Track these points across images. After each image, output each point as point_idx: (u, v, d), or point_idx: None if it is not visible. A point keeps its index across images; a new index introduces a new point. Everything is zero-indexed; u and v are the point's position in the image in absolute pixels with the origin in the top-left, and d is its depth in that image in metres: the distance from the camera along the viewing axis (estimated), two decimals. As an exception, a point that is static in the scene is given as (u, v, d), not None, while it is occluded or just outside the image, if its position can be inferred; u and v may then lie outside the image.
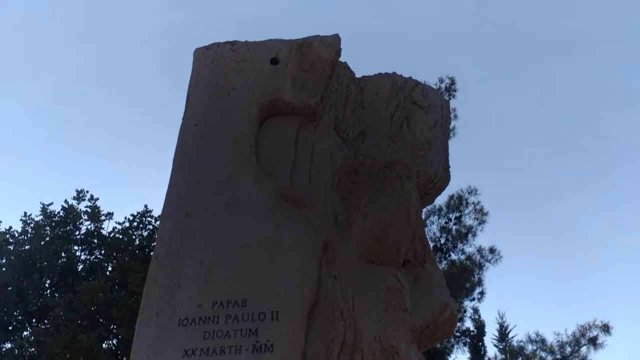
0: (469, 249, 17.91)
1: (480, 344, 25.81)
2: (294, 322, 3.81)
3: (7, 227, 10.06)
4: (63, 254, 9.74)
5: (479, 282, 19.40)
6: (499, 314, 28.54)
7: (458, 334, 18.36)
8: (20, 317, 9.35)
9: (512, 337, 27.22)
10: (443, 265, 16.42)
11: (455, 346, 18.66)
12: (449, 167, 5.43)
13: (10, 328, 9.21)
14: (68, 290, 8.71)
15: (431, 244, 15.05)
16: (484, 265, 18.43)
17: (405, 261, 4.67)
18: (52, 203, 10.51)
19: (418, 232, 4.79)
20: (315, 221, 4.24)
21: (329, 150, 4.81)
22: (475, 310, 21.84)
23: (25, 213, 10.15)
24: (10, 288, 9.06)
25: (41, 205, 10.37)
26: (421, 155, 5.20)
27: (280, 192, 4.41)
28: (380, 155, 4.96)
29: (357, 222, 4.41)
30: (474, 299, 19.82)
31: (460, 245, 17.14)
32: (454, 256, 17.23)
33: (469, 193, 17.78)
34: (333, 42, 5.24)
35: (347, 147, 5.03)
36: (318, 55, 5.13)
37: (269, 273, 4.05)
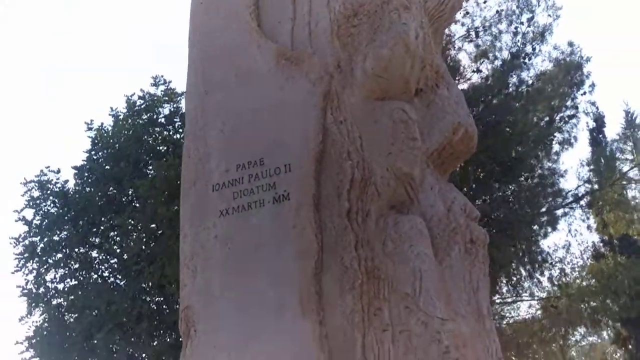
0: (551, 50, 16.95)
1: (600, 136, 25.13)
2: (303, 170, 4.17)
3: (100, 124, 11.15)
4: (146, 138, 10.72)
5: (587, 75, 18.55)
6: (624, 102, 27.36)
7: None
8: (121, 200, 10.63)
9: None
10: (532, 73, 15.75)
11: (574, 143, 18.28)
12: (463, -19, 5.30)
13: (114, 208, 10.57)
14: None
15: (505, 54, 14.46)
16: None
17: (418, 90, 4.80)
18: (134, 94, 11.41)
19: (427, 59, 4.83)
20: (312, 74, 4.44)
21: (326, -1, 4.86)
22: (593, 104, 21.13)
23: (112, 108, 11.16)
24: (107, 178, 10.33)
25: (125, 97, 11.30)
26: (428, -23, 5.12)
27: (280, 53, 4.61)
28: (382, -12, 4.92)
29: (358, 65, 4.55)
30: (584, 93, 19.04)
31: (539, 47, 16.23)
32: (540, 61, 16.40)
33: None
34: None
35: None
36: None
37: (278, 131, 4.38)
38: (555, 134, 17.58)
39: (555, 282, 18.61)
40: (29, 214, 10.97)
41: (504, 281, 13.81)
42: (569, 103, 18.54)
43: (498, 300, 16.73)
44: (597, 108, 22.63)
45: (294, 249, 4.00)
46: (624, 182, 21.75)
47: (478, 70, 14.66)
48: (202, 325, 4.15)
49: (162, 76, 11.50)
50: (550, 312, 19.67)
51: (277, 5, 4.93)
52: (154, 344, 9.97)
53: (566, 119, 18.13)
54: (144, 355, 10.01)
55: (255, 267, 4.09)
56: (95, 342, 9.92)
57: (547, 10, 16.26)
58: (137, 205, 10.10)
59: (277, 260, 4.03)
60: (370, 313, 3.82)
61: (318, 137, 4.25)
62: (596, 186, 18.56)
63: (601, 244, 24.18)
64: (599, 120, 25.70)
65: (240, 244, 4.20)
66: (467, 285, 4.12)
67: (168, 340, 9.78)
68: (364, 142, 4.31)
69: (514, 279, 16.27)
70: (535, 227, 13.52)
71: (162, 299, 9.35)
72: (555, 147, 18.12)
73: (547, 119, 16.95)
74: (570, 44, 17.29)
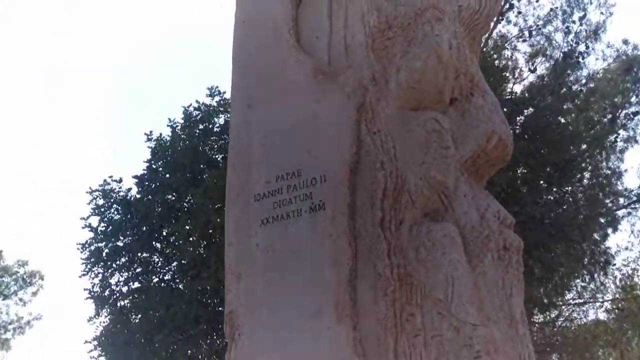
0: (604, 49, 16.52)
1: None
2: (338, 181, 4.32)
3: (158, 135, 11.60)
4: (201, 148, 11.09)
5: None
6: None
7: None
8: (178, 207, 11.04)
9: None
10: (585, 73, 15.40)
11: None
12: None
13: (173, 215, 10.99)
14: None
15: (558, 53, 14.14)
16: None
17: (453, 99, 4.87)
18: (190, 105, 11.81)
19: (462, 68, 4.89)
20: (347, 87, 4.58)
21: (360, 12, 4.97)
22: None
23: (170, 119, 11.58)
24: (165, 187, 10.77)
25: (182, 108, 11.71)
26: (461, -11, 5.18)
27: (317, 68, 4.78)
28: (418, 1, 5.03)
29: (392, 77, 4.66)
30: None
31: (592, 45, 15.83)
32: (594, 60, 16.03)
33: None
34: None
35: (388, 1, 5.15)
36: None
37: (314, 143, 4.54)
38: (619, 132, 17.15)
39: (619, 285, 18.15)
40: (94, 221, 11.58)
41: (569, 283, 13.58)
42: (633, 99, 18.08)
43: (559, 303, 16.42)
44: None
45: (329, 257, 4.15)
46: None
47: (533, 70, 14.45)
48: (245, 329, 4.34)
49: (217, 87, 11.93)
50: (615, 315, 19.18)
51: (314, 21, 5.10)
52: (210, 344, 10.34)
53: (631, 115, 17.66)
54: (200, 355, 10.38)
55: (293, 274, 4.26)
56: (156, 344, 10.36)
57: (600, 7, 15.90)
58: (192, 213, 10.48)
59: (313, 267, 4.19)
60: (402, 319, 3.92)
61: (352, 149, 4.38)
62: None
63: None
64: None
65: (280, 252, 4.38)
66: (500, 291, 4.17)
67: (223, 341, 10.14)
68: (397, 152, 4.42)
69: (575, 282, 15.96)
70: (594, 228, 13.23)
71: (217, 301, 9.68)
72: (620, 145, 17.69)
73: (609, 116, 16.57)
74: (625, 42, 16.83)
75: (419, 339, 3.87)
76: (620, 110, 17.45)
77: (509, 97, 11.81)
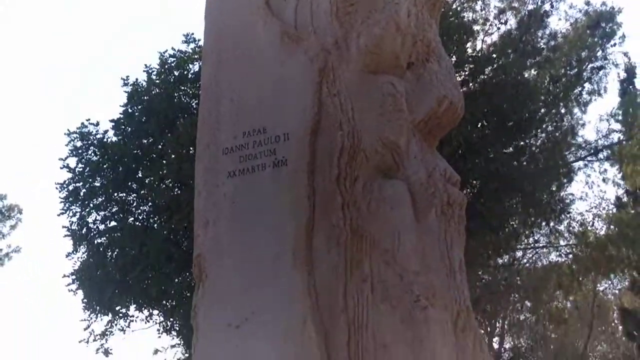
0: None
1: (630, 87, 24.75)
2: (300, 140, 4.59)
3: (135, 79, 11.68)
4: (176, 94, 11.22)
5: (618, 26, 18.35)
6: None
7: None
8: (152, 152, 11.26)
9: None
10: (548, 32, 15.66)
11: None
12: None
13: (147, 160, 11.23)
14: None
15: (524, 11, 14.31)
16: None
17: (410, 64, 5.14)
18: (166, 51, 11.85)
19: (419, 35, 5.14)
20: (310, 51, 4.80)
21: (327, -19, 5.17)
22: (625, 54, 20.93)
23: (146, 65, 11.64)
24: (140, 132, 10.96)
25: (159, 54, 11.77)
26: (423, -44, 5.38)
27: (283, 31, 4.98)
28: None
29: (353, 42, 4.90)
30: (614, 44, 18.86)
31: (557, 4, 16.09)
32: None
33: None
34: None
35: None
36: None
37: (280, 103, 4.78)
38: (584, 85, 17.55)
39: (573, 232, 18.91)
40: (72, 162, 11.75)
41: (524, 231, 14.19)
42: (599, 54, 18.38)
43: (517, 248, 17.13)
44: (629, 59, 22.32)
45: (289, 209, 4.46)
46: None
47: (500, 25, 14.68)
48: (212, 271, 4.66)
49: (192, 34, 11.93)
50: (569, 259, 20.04)
51: (284, -15, 5.27)
52: (181, 281, 10.76)
53: (596, 69, 18.00)
54: (172, 291, 10.80)
55: (257, 222, 4.57)
56: (131, 280, 10.75)
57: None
58: (165, 158, 10.71)
59: (275, 218, 4.50)
60: (352, 266, 4.29)
61: (313, 109, 4.65)
62: (615, 139, 18.58)
63: (623, 195, 24.22)
64: (630, 71, 25.28)
65: (245, 202, 4.67)
66: (442, 243, 4.56)
67: (193, 279, 10.58)
68: (355, 113, 4.70)
69: (532, 229, 16.62)
70: (551, 179, 13.77)
71: (188, 241, 10.01)
72: (585, 97, 18.11)
73: (575, 70, 16.94)
74: (587, 3, 17.05)
75: (366, 284, 4.26)
76: (586, 64, 17.80)
77: (473, 54, 12.08)
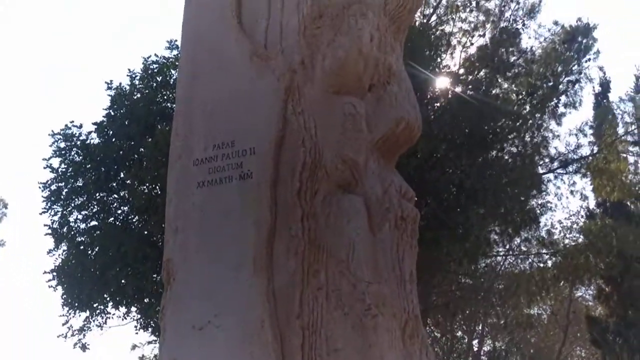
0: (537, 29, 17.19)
1: (605, 100, 25.24)
2: (264, 154, 4.80)
3: (118, 84, 11.86)
4: (158, 100, 11.43)
5: (593, 41, 18.75)
6: (635, 67, 27.43)
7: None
8: (132, 156, 11.46)
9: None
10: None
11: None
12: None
13: (128, 162, 11.42)
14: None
15: (496, 29, 14.63)
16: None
17: (371, 85, 5.38)
18: (150, 57, 12.04)
19: (381, 58, 5.37)
20: (278, 71, 5.02)
21: (296, 1, 5.39)
22: (600, 68, 21.43)
23: (129, 69, 11.83)
24: (122, 136, 11.15)
25: (142, 59, 11.95)
26: (389, -18, 5.61)
27: (253, 50, 5.20)
28: (348, -8, 5.44)
29: (318, 63, 5.12)
30: (588, 60, 19.27)
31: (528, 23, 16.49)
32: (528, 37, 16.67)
33: None
34: None
35: (324, -11, 5.53)
36: None
37: (248, 118, 4.99)
38: (560, 97, 17.93)
39: (542, 241, 19.31)
40: (55, 162, 11.89)
41: (490, 240, 14.54)
42: (574, 68, 18.75)
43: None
44: (605, 73, 22.82)
45: (252, 219, 4.66)
46: (622, 145, 22.09)
47: (470, 44, 15.03)
48: (179, 276, 4.84)
49: (175, 40, 12.14)
50: (538, 268, 20.46)
51: (255, 5, 5.47)
52: (155, 280, 10.97)
53: (571, 84, 18.36)
54: (149, 289, 11.00)
55: (223, 231, 4.76)
56: (109, 277, 10.94)
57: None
58: (144, 162, 10.90)
59: (239, 226, 4.70)
60: (309, 275, 4.50)
61: (278, 126, 4.86)
62: (584, 153, 19.00)
63: (593, 207, 24.73)
64: (605, 85, 25.80)
65: (213, 212, 4.86)
66: (394, 255, 4.79)
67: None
68: (318, 131, 4.92)
69: (502, 237, 16.98)
70: (521, 190, 14.10)
71: (164, 242, 10.21)
72: (561, 109, 18.48)
73: (550, 83, 17.30)
74: (556, 23, 17.46)
75: (321, 292, 4.48)
76: (562, 77, 18.17)
77: (445, 70, 12.39)
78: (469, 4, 15.74)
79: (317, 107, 5.02)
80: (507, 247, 19.67)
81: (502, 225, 14.21)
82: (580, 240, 20.78)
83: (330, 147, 4.91)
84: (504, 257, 20.19)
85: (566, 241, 20.88)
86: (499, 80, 13.77)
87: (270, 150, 4.81)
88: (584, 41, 18.98)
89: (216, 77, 5.29)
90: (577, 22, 19.08)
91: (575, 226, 21.72)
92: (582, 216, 23.33)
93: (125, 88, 11.73)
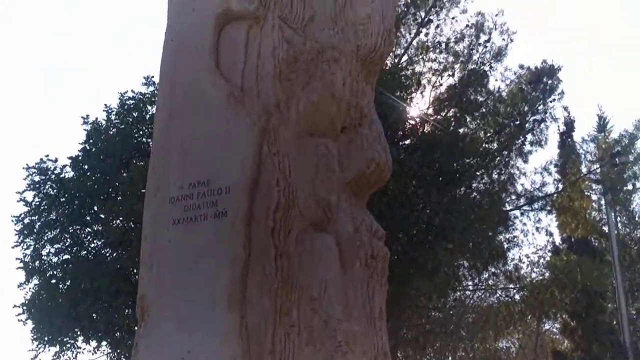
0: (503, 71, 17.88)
1: (569, 140, 25.90)
2: (239, 193, 4.88)
3: (95, 119, 11.90)
4: (134, 135, 11.48)
5: (558, 82, 19.33)
6: (598, 107, 28.26)
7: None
8: (107, 191, 11.47)
9: (611, 127, 26.95)
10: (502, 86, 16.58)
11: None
12: (393, 31, 6.05)
13: (102, 197, 11.42)
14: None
15: (464, 71, 15.13)
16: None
17: (344, 128, 5.54)
18: (127, 92, 12.14)
19: (353, 102, 5.54)
20: (254, 114, 5.14)
21: (272, 45, 5.50)
22: (565, 108, 22.05)
23: (106, 105, 11.89)
24: (96, 171, 11.17)
25: (119, 95, 12.05)
26: (361, 29, 5.80)
27: (230, 92, 5.32)
28: (323, 39, 5.63)
29: (293, 106, 5.26)
30: (553, 100, 19.83)
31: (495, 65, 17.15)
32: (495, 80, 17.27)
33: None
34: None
35: (299, 34, 5.70)
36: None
37: (223, 158, 5.08)
38: (526, 136, 18.38)
39: (510, 276, 19.58)
40: (29, 196, 11.80)
41: (458, 276, 14.74)
42: (540, 108, 19.26)
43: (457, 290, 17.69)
44: (569, 113, 23.50)
45: (226, 257, 4.71)
46: (585, 184, 22.66)
47: (440, 84, 15.46)
48: (153, 312, 4.86)
49: (152, 77, 12.26)
50: (504, 302, 20.69)
51: (232, 49, 5.59)
52: (127, 314, 10.87)
53: (537, 123, 18.85)
54: (120, 323, 10.89)
55: (197, 269, 4.80)
56: (80, 311, 10.80)
57: (502, 34, 17.11)
58: (119, 198, 10.91)
59: (213, 265, 4.75)
60: (282, 312, 4.57)
61: (254, 166, 4.95)
62: (549, 190, 19.47)
63: (559, 243, 25.20)
64: (569, 124, 26.52)
65: (187, 249, 4.91)
66: (364, 292, 4.90)
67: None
68: (292, 171, 5.04)
69: (470, 272, 17.21)
70: (489, 227, 14.39)
71: (137, 278, 10.17)
72: (528, 147, 18.93)
73: (517, 122, 17.77)
74: (521, 67, 18.08)
75: (293, 329, 4.55)
76: (528, 117, 18.67)
77: (415, 108, 12.73)
78: (438, 46, 16.27)
79: (292, 148, 5.15)
80: (476, 281, 19.89)
81: (470, 260, 14.43)
82: (546, 275, 21.08)
83: (304, 187, 5.03)
84: (472, 291, 20.40)
85: (533, 275, 21.18)
86: (467, 119, 14.19)
87: (245, 190, 4.90)
88: (549, 82, 19.61)
89: (193, 117, 5.37)
90: (542, 63, 19.76)
91: (542, 261, 22.08)
92: (548, 251, 23.72)
93: (101, 123, 11.76)
